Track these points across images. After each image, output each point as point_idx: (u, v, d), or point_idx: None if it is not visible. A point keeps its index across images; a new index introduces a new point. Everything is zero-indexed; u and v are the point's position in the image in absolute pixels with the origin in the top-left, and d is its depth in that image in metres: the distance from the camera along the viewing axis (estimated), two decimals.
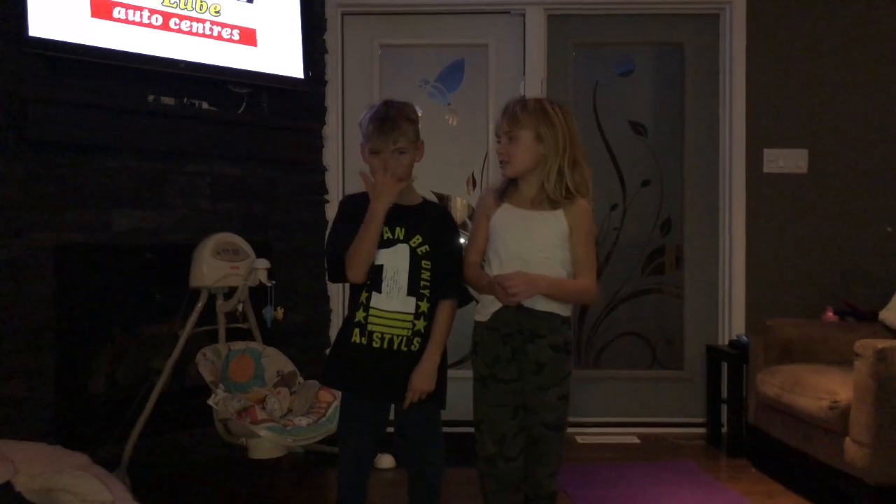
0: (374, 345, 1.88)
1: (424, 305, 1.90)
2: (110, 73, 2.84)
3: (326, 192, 3.69)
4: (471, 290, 2.02)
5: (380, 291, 1.89)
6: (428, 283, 1.91)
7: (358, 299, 1.90)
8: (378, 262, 1.89)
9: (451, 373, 3.79)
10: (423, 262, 1.91)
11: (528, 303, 1.87)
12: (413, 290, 1.89)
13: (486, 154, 3.86)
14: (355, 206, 1.92)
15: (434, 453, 1.97)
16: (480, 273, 1.95)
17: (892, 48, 3.68)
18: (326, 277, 2.02)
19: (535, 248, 1.90)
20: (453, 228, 2.03)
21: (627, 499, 2.75)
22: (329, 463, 2.51)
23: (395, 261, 1.89)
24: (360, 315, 1.89)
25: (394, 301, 1.89)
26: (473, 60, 3.87)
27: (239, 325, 2.95)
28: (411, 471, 2.02)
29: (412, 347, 1.89)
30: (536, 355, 1.90)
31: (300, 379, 2.88)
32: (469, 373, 3.71)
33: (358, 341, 1.89)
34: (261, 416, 2.65)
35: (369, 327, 1.89)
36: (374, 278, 1.89)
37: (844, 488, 2.57)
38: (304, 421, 2.65)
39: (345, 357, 1.93)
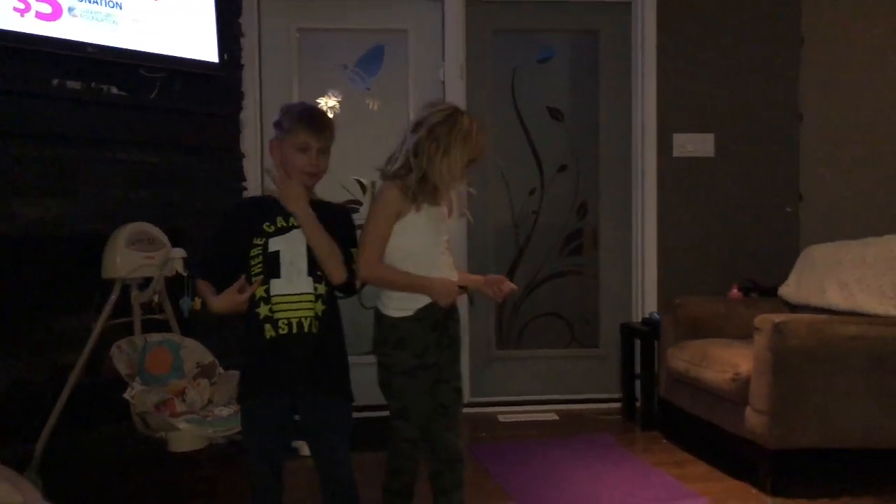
0: (282, 331, 1.85)
1: (322, 288, 1.89)
2: (9, 56, 2.72)
3: (245, 178, 3.63)
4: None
5: (279, 277, 1.87)
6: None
7: (254, 297, 1.87)
8: (273, 249, 1.88)
9: (368, 357, 3.78)
10: None
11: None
12: (311, 271, 1.88)
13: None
14: (234, 212, 2.03)
15: (343, 451, 1.95)
16: (402, 272, 1.96)
17: (789, 35, 3.88)
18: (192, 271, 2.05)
19: (445, 238, 2.07)
20: (351, 225, 2.02)
21: (548, 474, 2.85)
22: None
23: (292, 246, 1.88)
24: (264, 310, 1.86)
25: (296, 283, 1.87)
26: (393, 46, 3.88)
27: (155, 317, 2.89)
28: (322, 469, 1.97)
29: (315, 329, 1.87)
30: (452, 331, 2.07)
31: (220, 369, 2.85)
32: (364, 359, 3.71)
33: (271, 335, 1.86)
34: (180, 409, 2.62)
35: (276, 315, 1.85)
36: (271, 267, 1.87)
37: (746, 454, 2.74)
38: (224, 411, 2.63)
39: (260, 358, 1.89)
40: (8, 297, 2.79)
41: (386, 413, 2.06)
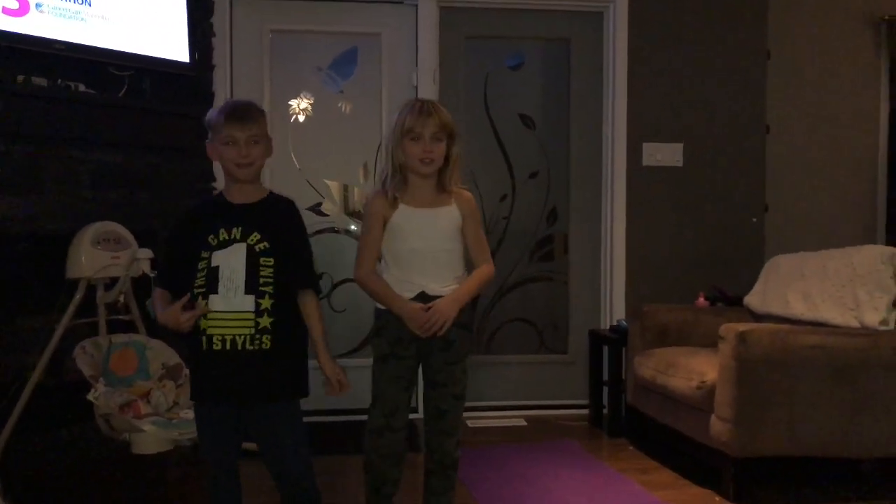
0: (216, 347, 1.85)
1: (267, 302, 1.85)
2: None
3: (214, 179, 3.59)
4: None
5: (216, 293, 1.85)
6: (270, 280, 1.87)
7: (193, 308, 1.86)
8: (214, 264, 1.87)
9: (349, 361, 3.82)
10: (263, 258, 1.88)
11: (435, 291, 2.01)
12: (251, 287, 1.86)
13: (380, 143, 3.87)
14: (191, 219, 1.97)
15: (293, 454, 1.93)
16: (384, 285, 2.02)
17: (757, 48, 3.95)
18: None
19: (440, 243, 2.04)
20: (299, 223, 2.01)
21: (514, 479, 2.86)
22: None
23: (231, 261, 1.86)
24: (203, 323, 1.85)
25: (231, 301, 1.85)
26: (367, 49, 3.87)
27: (121, 317, 2.84)
28: (274, 473, 1.95)
29: (262, 345, 1.85)
30: (446, 333, 2.02)
31: (186, 371, 2.81)
32: (363, 360, 3.76)
33: (206, 348, 1.86)
34: (145, 410, 2.58)
35: (210, 332, 1.85)
36: (210, 281, 1.86)
37: (711, 462, 2.78)
38: (190, 414, 2.58)
39: (199, 368, 1.91)
40: None
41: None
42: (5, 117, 2.72)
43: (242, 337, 1.84)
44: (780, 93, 3.96)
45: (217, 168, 3.59)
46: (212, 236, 1.88)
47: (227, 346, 1.84)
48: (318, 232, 3.86)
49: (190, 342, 1.89)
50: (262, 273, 1.86)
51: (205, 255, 1.88)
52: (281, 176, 3.74)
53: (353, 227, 3.90)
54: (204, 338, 1.85)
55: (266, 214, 1.94)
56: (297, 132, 3.82)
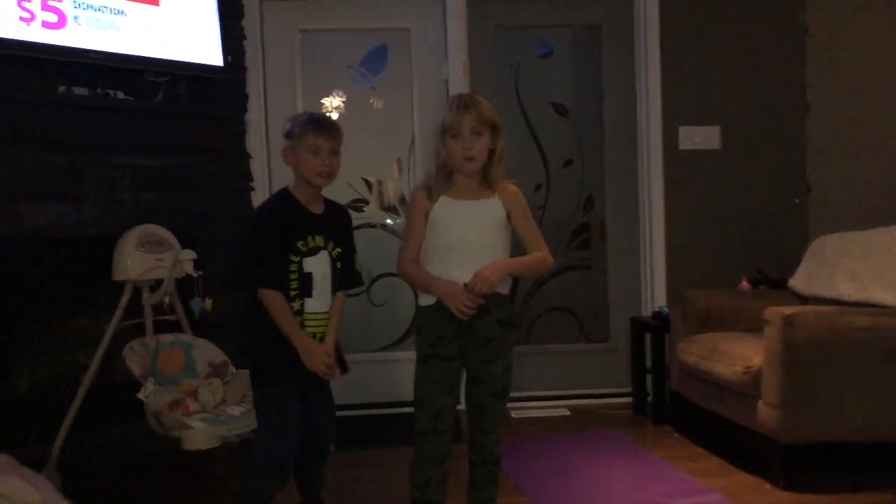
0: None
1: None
2: (17, 65, 2.74)
3: (251, 179, 3.64)
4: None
5: (311, 296, 2.10)
6: (334, 283, 2.16)
7: (290, 307, 2.08)
8: (307, 270, 2.09)
9: (389, 354, 3.84)
10: (337, 263, 2.15)
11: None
12: (333, 290, 2.16)
13: (413, 138, 3.88)
14: (281, 223, 2.08)
15: (332, 427, 2.29)
16: (423, 271, 2.01)
17: (794, 25, 3.86)
18: (246, 282, 2.10)
19: (480, 236, 2.00)
20: (351, 227, 2.29)
21: (560, 469, 2.85)
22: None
23: (321, 267, 2.11)
24: (294, 304, 2.09)
25: (322, 303, 2.13)
26: (396, 44, 3.88)
27: (167, 318, 2.90)
28: (314, 447, 2.22)
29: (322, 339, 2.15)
30: (484, 331, 1.98)
31: (232, 368, 2.87)
32: (403, 353, 3.79)
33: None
34: (193, 408, 2.63)
35: (306, 331, 2.10)
36: (305, 285, 2.09)
37: (758, 448, 2.73)
38: (237, 410, 2.64)
39: (282, 357, 2.07)
40: (22, 301, 2.82)
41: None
42: (49, 127, 2.79)
43: (320, 334, 2.13)
44: (820, 69, 3.86)
45: (255, 168, 3.65)
46: (301, 242, 2.08)
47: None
48: (355, 228, 3.87)
49: (276, 336, 2.06)
50: (334, 277, 2.14)
51: (294, 259, 2.08)
52: None
53: (388, 221, 3.92)
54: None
55: (333, 222, 2.19)
56: None
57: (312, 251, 2.10)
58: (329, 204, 2.20)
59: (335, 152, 2.12)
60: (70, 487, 2.48)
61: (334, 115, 3.87)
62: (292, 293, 2.08)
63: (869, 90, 3.84)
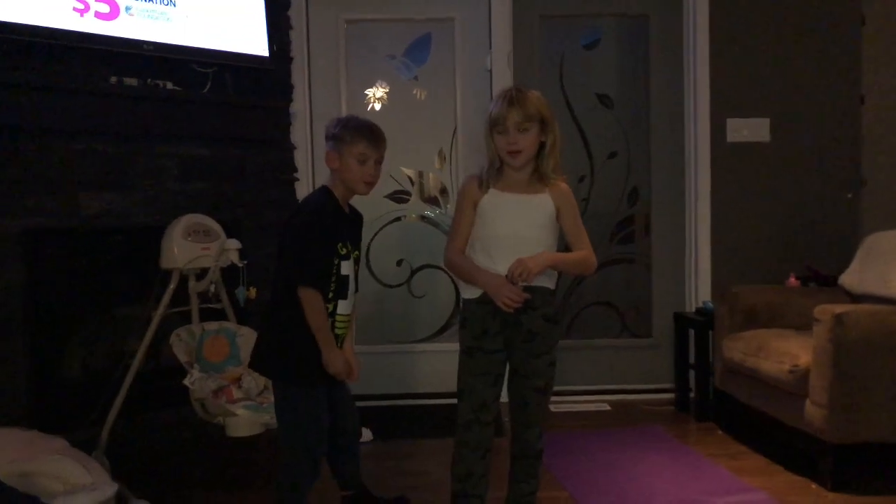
0: (336, 344, 2.11)
1: None
2: (71, 56, 2.80)
3: (296, 170, 3.68)
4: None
5: (346, 299, 2.14)
6: None
7: (325, 308, 2.09)
8: (344, 273, 2.13)
9: (429, 345, 3.86)
10: (356, 266, 2.21)
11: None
12: (354, 292, 2.19)
13: (455, 129, 3.87)
14: (328, 225, 2.10)
15: (356, 413, 2.33)
16: (469, 263, 2.00)
17: (849, 14, 3.74)
18: (294, 279, 2.06)
19: (527, 230, 1.99)
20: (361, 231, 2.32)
21: (600, 464, 2.83)
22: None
23: (351, 271, 2.15)
24: (328, 306, 2.10)
25: (349, 305, 2.17)
26: (440, 34, 3.87)
27: (212, 306, 2.95)
28: (344, 440, 2.28)
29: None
30: (529, 325, 1.98)
31: None
32: (443, 345, 3.79)
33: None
34: (237, 395, 2.68)
35: (335, 332, 2.11)
36: (341, 288, 2.12)
37: (805, 448, 2.68)
38: None
39: (313, 356, 2.07)
40: (73, 288, 2.89)
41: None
42: (100, 117, 2.85)
43: (342, 335, 2.17)
44: (876, 60, 3.74)
45: (299, 158, 3.69)
46: (340, 245, 2.12)
47: (341, 345, 2.15)
48: (396, 220, 3.90)
49: (308, 335, 2.05)
50: (355, 280, 2.19)
51: (335, 262, 2.10)
52: None
53: (428, 213, 3.92)
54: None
55: (355, 225, 2.25)
56: (374, 120, 3.82)
57: (346, 255, 2.13)
58: (350, 207, 2.23)
59: (380, 161, 2.15)
60: (118, 470, 2.54)
61: (377, 106, 3.88)
62: (330, 294, 2.09)
63: None
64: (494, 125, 1.97)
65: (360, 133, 2.12)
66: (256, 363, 2.20)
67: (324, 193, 2.16)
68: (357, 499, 2.37)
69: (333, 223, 2.11)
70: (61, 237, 2.84)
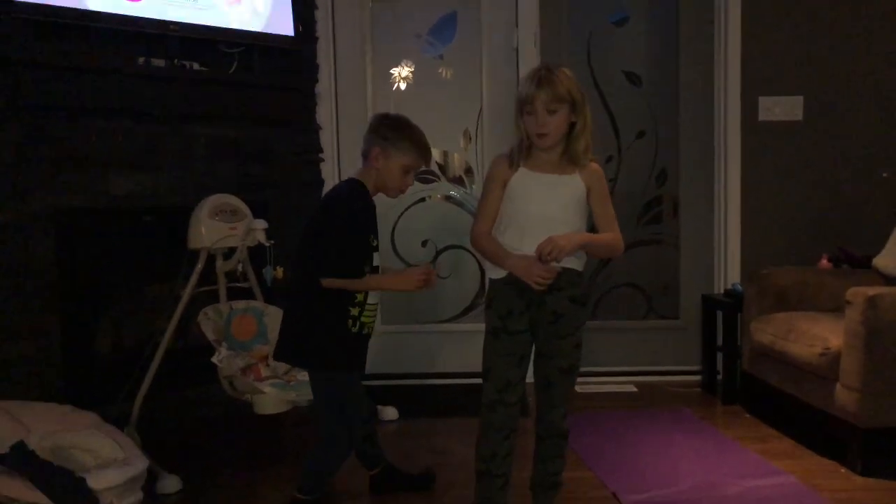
0: (364, 332, 2.15)
1: None
2: (100, 37, 2.82)
3: (321, 150, 3.68)
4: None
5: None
6: None
7: (354, 298, 2.11)
8: (376, 264, 2.16)
9: (455, 326, 3.84)
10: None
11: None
12: None
13: (481, 109, 3.84)
14: (367, 219, 2.14)
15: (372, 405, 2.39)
16: (497, 245, 1.98)
17: None
18: (332, 273, 2.08)
19: (557, 211, 1.96)
20: None
21: (626, 445, 2.82)
22: None
23: (379, 261, 2.18)
24: (354, 311, 2.12)
25: (378, 294, 2.20)
26: (466, 12, 3.83)
27: (239, 285, 2.98)
28: (365, 425, 2.34)
29: None
30: (554, 306, 1.96)
31: None
32: (468, 325, 3.79)
33: (355, 331, 2.13)
34: (264, 373, 2.71)
35: (363, 319, 2.13)
36: None
37: (835, 432, 2.64)
38: (305, 377, 2.69)
39: (347, 344, 2.13)
40: (104, 267, 2.94)
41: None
42: (129, 98, 2.88)
43: (371, 323, 2.19)
44: None
45: (325, 139, 3.69)
46: (373, 237, 2.16)
47: (369, 332, 2.18)
48: (421, 200, 3.89)
49: (338, 322, 2.11)
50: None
51: (368, 254, 2.13)
52: None
53: (454, 193, 3.91)
54: (351, 321, 2.12)
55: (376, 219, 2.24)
56: (399, 100, 3.84)
57: (377, 246, 2.17)
58: None
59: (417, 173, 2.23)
60: (148, 446, 2.59)
61: (402, 86, 3.87)
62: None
63: None
64: (523, 105, 1.94)
65: (415, 147, 2.16)
66: (290, 355, 2.21)
67: (358, 187, 2.16)
68: (384, 475, 2.42)
69: (369, 218, 2.15)
70: (92, 217, 2.88)
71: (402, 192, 2.22)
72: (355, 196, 2.13)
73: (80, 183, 2.81)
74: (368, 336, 2.17)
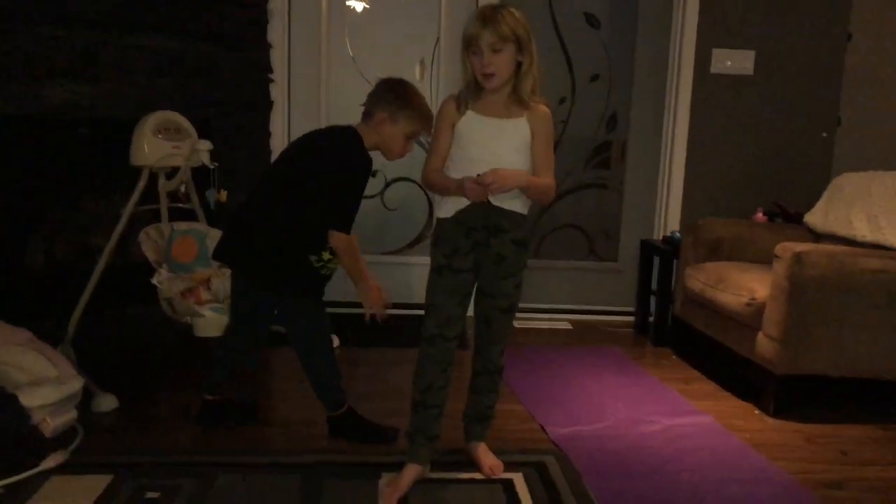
0: (329, 273, 2.27)
1: None
2: None
3: (271, 70, 3.58)
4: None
5: None
6: None
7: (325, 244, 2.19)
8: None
9: (400, 258, 3.86)
10: None
11: (493, 200, 1.95)
12: None
13: (438, 38, 3.78)
14: (368, 171, 2.20)
15: None
16: (445, 177, 2.00)
17: None
18: (335, 226, 2.17)
19: (502, 154, 1.96)
20: None
21: (557, 381, 2.93)
22: (273, 341, 2.63)
23: None
24: (326, 255, 2.21)
25: None
26: None
27: (182, 206, 2.92)
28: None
29: None
30: (498, 248, 2.00)
31: None
32: (414, 258, 3.81)
33: (323, 272, 2.24)
34: (205, 297, 2.69)
35: (330, 265, 2.23)
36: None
37: (754, 377, 2.80)
38: None
39: (320, 280, 2.25)
40: (37, 178, 2.84)
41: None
42: (66, 2, 2.73)
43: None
44: (867, 0, 3.69)
45: (275, 58, 3.58)
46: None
47: (331, 274, 2.28)
48: None
49: (313, 268, 2.21)
50: None
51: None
52: (337, 71, 3.71)
53: None
54: (320, 264, 2.22)
55: None
56: (354, 25, 3.74)
57: None
58: None
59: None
60: (84, 364, 2.57)
61: (358, 7, 3.76)
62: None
63: None
64: (468, 45, 1.92)
65: (424, 119, 2.20)
66: (269, 282, 2.24)
67: (360, 143, 2.19)
68: (347, 418, 2.36)
69: (368, 176, 2.20)
70: (25, 126, 2.76)
71: (402, 156, 2.28)
72: (363, 153, 2.18)
73: (11, 91, 2.68)
74: (329, 277, 2.29)
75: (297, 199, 2.16)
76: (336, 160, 2.15)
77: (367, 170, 2.19)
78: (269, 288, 2.25)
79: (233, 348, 2.38)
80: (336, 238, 2.15)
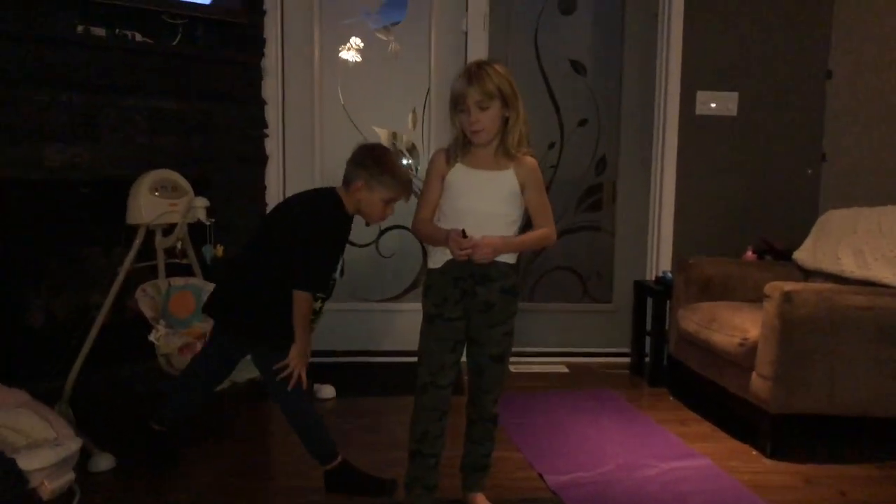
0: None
1: None
2: (36, 2, 2.74)
3: (266, 126, 3.66)
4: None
5: (330, 297, 2.37)
6: None
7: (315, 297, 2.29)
8: (334, 277, 2.31)
9: (394, 305, 3.89)
10: None
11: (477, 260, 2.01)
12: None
13: (429, 90, 3.86)
14: (341, 233, 2.31)
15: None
16: (435, 227, 2.06)
17: None
18: (299, 284, 2.23)
19: (489, 207, 2.02)
20: None
21: (554, 426, 2.94)
22: (262, 396, 2.67)
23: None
24: (316, 305, 2.30)
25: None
26: None
27: (178, 261, 2.96)
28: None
29: None
30: (486, 296, 2.04)
31: None
32: (407, 305, 3.83)
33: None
34: None
35: (321, 315, 2.36)
36: (332, 290, 2.35)
37: (749, 417, 2.80)
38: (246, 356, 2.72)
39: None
40: (39, 240, 2.88)
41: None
42: (67, 67, 2.81)
43: None
44: (845, 36, 3.78)
45: (270, 114, 3.66)
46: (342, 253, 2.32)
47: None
48: None
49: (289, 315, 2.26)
50: None
51: (334, 269, 2.30)
52: (330, 124, 3.79)
53: None
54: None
55: None
56: (347, 79, 3.83)
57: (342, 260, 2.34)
58: None
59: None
60: (82, 423, 2.58)
61: (350, 64, 3.85)
62: (324, 297, 2.32)
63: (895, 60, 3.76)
64: (456, 103, 1.99)
65: (401, 186, 2.27)
66: (248, 335, 2.33)
67: (339, 208, 2.28)
68: (342, 471, 2.33)
69: (345, 237, 2.29)
70: (26, 188, 2.81)
71: (382, 220, 2.36)
72: (335, 213, 2.26)
73: (14, 155, 2.73)
74: (311, 330, 2.37)
75: (272, 256, 2.25)
76: (307, 220, 2.24)
77: (339, 229, 2.27)
78: (247, 340, 2.33)
79: (192, 388, 2.48)
80: (297, 296, 2.21)
